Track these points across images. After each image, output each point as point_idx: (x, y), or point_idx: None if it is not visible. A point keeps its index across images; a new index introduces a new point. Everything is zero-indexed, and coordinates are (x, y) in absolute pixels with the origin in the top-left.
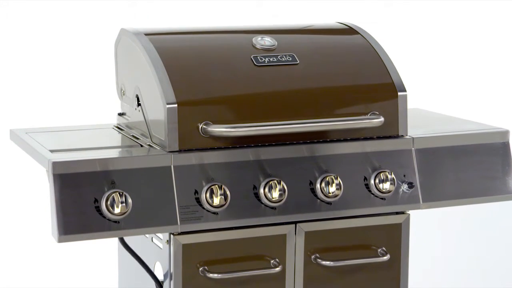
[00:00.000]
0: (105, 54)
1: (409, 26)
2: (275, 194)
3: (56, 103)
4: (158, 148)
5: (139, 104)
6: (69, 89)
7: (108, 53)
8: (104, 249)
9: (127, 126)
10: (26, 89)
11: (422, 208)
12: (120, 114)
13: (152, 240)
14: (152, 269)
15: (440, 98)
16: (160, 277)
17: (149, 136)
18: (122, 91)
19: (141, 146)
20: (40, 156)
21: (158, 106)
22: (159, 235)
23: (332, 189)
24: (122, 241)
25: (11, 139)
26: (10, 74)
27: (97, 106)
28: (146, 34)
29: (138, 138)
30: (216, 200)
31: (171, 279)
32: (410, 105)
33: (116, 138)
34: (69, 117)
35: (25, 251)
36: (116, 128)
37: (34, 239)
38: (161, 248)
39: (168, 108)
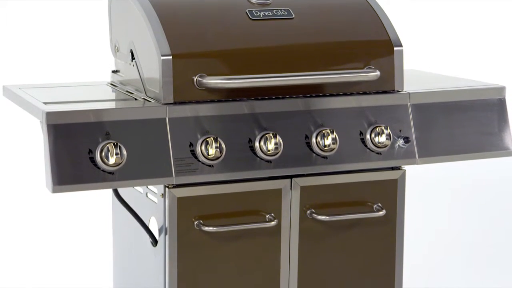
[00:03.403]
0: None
1: None
2: (271, 146)
3: (48, 63)
4: (153, 101)
5: (133, 59)
6: (62, 49)
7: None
8: (97, 207)
9: (121, 83)
10: (18, 47)
11: (418, 164)
12: (114, 72)
13: (146, 196)
14: (147, 224)
15: (438, 61)
16: (155, 232)
17: (144, 91)
18: (116, 47)
19: (136, 100)
20: (34, 108)
21: (152, 59)
22: (154, 189)
23: (328, 141)
24: (116, 194)
25: (4, 95)
26: (2, 32)
27: (90, 66)
28: None
29: (132, 93)
30: (211, 151)
31: (166, 233)
32: (408, 66)
33: (110, 93)
34: (61, 76)
35: (19, 205)
36: (110, 85)
37: (28, 195)
38: (155, 203)
39: (163, 60)
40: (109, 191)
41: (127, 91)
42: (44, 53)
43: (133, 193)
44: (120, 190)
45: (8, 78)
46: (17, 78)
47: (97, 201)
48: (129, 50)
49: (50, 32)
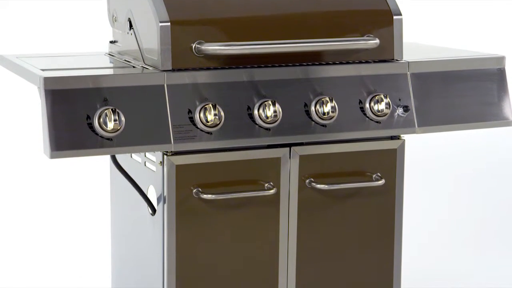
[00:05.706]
0: None
1: None
2: (270, 113)
3: (45, 34)
4: (151, 69)
5: (131, 28)
6: (58, 21)
7: None
8: (95, 178)
9: (119, 53)
10: (15, 19)
11: (417, 133)
12: (111, 42)
13: (145, 164)
14: (145, 193)
15: (440, 34)
16: (154, 201)
17: (142, 59)
18: (114, 17)
19: (134, 67)
20: (31, 75)
21: (151, 26)
22: (152, 158)
23: (327, 109)
24: (115, 161)
25: (1, 64)
26: None
27: (87, 38)
28: None
29: (130, 62)
30: (210, 117)
31: (164, 202)
32: (409, 39)
33: (108, 62)
34: (58, 48)
35: (16, 173)
36: (108, 55)
37: (25, 163)
38: (154, 171)
39: (161, 26)
40: (108, 161)
41: (125, 60)
42: (41, 25)
43: (131, 162)
44: (118, 159)
45: (4, 50)
46: (14, 49)
47: (95, 172)
48: (127, 19)
49: (46, 4)
